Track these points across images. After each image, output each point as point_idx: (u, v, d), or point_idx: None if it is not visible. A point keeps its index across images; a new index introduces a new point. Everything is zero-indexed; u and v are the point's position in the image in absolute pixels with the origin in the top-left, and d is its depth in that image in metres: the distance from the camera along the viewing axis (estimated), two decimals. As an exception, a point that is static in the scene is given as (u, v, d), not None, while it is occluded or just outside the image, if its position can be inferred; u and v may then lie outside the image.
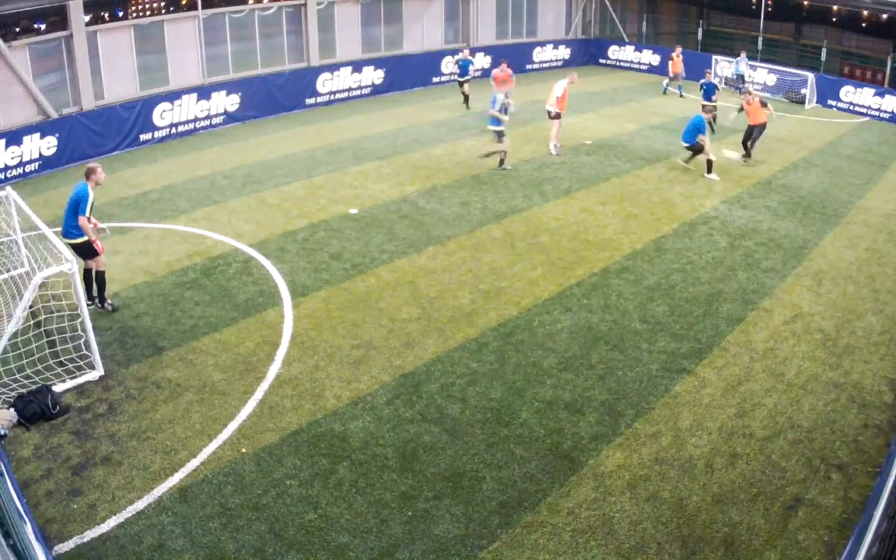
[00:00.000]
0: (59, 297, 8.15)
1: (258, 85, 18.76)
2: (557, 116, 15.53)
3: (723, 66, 24.77)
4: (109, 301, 8.84)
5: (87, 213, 8.30)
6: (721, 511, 5.70)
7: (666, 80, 23.62)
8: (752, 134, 15.50)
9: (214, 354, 7.86)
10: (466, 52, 20.52)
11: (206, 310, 8.83)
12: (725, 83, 24.76)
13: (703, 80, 18.77)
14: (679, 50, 23.34)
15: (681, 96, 22.97)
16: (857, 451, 6.43)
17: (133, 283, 9.53)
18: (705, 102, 17.10)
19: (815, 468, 6.19)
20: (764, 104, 15.25)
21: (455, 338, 8.22)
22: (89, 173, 8.46)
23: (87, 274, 8.61)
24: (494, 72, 18.52)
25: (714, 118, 16.44)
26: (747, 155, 15.51)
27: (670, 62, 23.30)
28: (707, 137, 14.35)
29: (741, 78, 23.33)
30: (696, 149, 14.38)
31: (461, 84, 19.99)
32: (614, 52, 28.32)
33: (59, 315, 7.97)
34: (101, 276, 8.68)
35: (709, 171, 14.34)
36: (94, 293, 8.72)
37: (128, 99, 16.54)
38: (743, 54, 23.47)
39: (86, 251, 8.45)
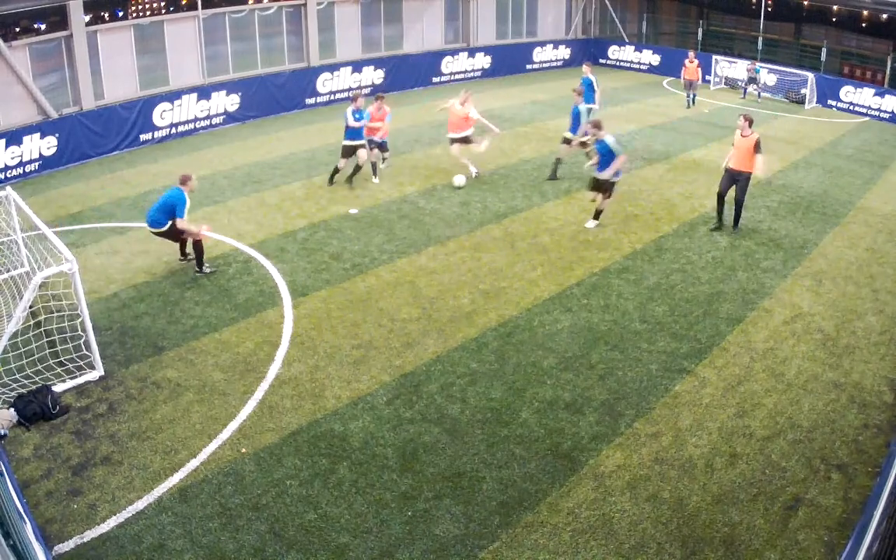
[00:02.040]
0: (59, 297, 8.15)
1: (258, 85, 18.76)
2: (467, 140, 13.45)
3: (723, 66, 24.78)
4: (207, 266, 9.81)
5: (185, 216, 9.41)
6: (721, 511, 5.70)
7: (688, 93, 21.38)
8: (734, 188, 11.13)
9: (214, 354, 7.87)
10: (361, 100, 12.86)
11: (206, 310, 8.83)
12: (726, 83, 24.78)
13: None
14: (693, 54, 21.46)
15: (692, 105, 21.15)
16: (857, 451, 6.43)
17: (133, 283, 9.53)
18: (569, 135, 13.60)
19: (815, 468, 6.19)
20: (758, 148, 10.83)
21: (455, 338, 8.22)
22: (185, 180, 9.53)
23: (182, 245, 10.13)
24: (370, 109, 13.20)
25: (582, 154, 13.38)
26: (734, 223, 11.40)
27: (683, 69, 21.37)
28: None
29: (753, 81, 22.87)
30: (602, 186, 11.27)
31: (347, 150, 12.97)
32: (614, 52, 28.32)
33: (59, 315, 7.98)
34: (198, 245, 9.73)
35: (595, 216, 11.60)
36: (189, 253, 10.05)
37: (128, 99, 16.54)
38: (759, 64, 23.15)
39: (174, 234, 9.67)
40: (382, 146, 13.65)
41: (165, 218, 9.48)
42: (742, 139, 11.00)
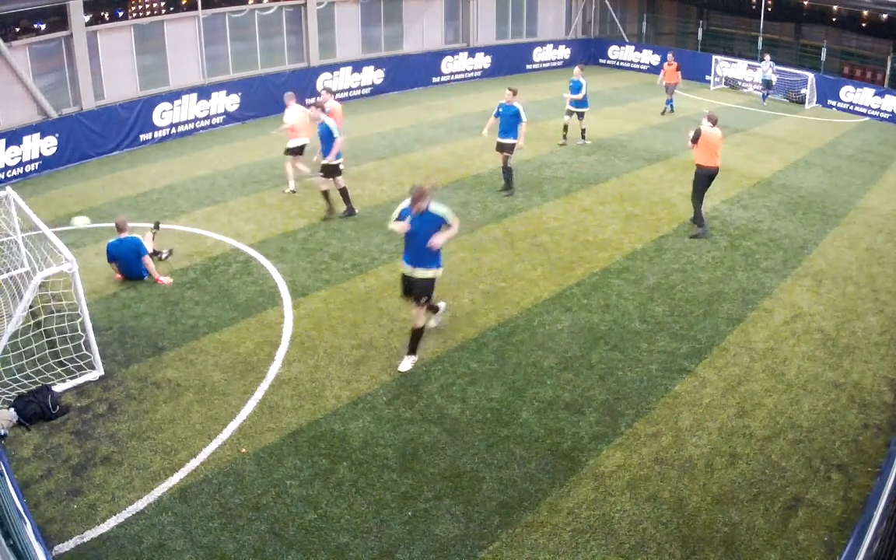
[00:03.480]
0: (59, 297, 8.16)
1: (258, 85, 18.76)
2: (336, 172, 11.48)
3: (723, 67, 24.76)
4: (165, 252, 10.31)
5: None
6: (721, 511, 5.70)
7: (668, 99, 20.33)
8: (698, 187, 11.22)
9: (214, 354, 7.86)
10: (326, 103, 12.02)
11: (206, 310, 8.83)
12: (725, 83, 24.77)
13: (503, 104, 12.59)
14: (672, 56, 20.43)
15: (671, 111, 20.11)
16: (857, 451, 6.43)
17: (133, 283, 9.53)
18: (504, 139, 12.62)
19: (815, 468, 6.19)
20: (693, 138, 11.01)
21: (455, 338, 8.21)
22: (123, 226, 9.50)
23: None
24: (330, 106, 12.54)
25: (506, 164, 12.89)
26: (702, 231, 11.19)
27: (662, 72, 20.39)
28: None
29: (768, 84, 21.96)
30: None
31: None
32: (614, 52, 28.34)
33: (59, 315, 7.98)
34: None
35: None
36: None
37: (128, 99, 16.55)
38: (767, 57, 22.09)
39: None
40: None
41: (141, 266, 9.51)
42: (706, 137, 11.05)
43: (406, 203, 7.19)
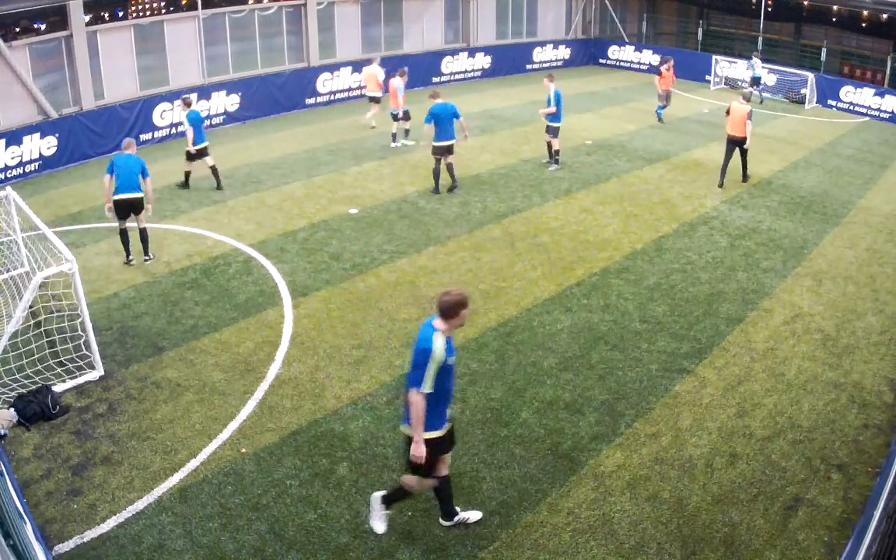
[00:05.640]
0: (59, 297, 8.16)
1: (258, 85, 18.76)
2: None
3: (723, 67, 24.76)
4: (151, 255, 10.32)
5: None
6: (721, 511, 5.70)
7: (662, 105, 19.28)
8: (732, 152, 13.68)
9: (214, 354, 7.86)
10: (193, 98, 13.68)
11: (206, 310, 8.83)
12: (725, 83, 24.77)
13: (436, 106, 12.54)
14: (670, 63, 19.23)
15: (659, 120, 19.14)
16: (857, 451, 6.43)
17: (133, 283, 9.53)
18: (439, 143, 12.51)
19: (815, 468, 6.19)
20: (728, 111, 13.71)
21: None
22: (130, 144, 10.00)
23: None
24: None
25: (439, 175, 12.76)
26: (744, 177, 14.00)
27: (658, 78, 19.29)
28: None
29: (757, 81, 21.72)
30: None
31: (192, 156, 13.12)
32: (614, 52, 28.32)
33: (59, 315, 7.98)
34: (144, 233, 10.15)
35: None
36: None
37: (128, 99, 16.55)
38: (755, 55, 21.91)
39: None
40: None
41: (139, 182, 9.80)
42: (735, 111, 13.57)
43: (444, 327, 4.94)
